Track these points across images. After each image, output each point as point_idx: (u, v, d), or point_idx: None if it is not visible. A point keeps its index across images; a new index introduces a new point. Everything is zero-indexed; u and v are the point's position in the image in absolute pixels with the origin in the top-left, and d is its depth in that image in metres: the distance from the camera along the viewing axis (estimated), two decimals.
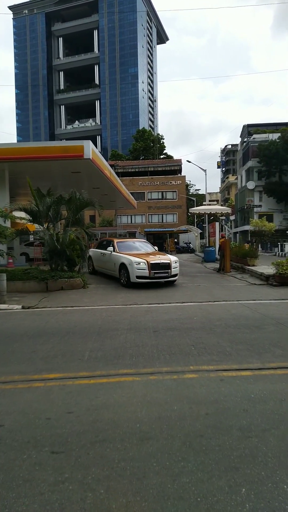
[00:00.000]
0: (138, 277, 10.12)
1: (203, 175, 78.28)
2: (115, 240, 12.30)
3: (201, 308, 7.45)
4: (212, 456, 2.31)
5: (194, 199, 54.68)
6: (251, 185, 51.69)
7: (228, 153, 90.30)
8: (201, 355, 4.35)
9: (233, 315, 6.70)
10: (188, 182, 68.91)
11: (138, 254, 11.12)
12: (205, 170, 31.58)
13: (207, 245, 23.03)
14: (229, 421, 2.75)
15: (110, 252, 11.56)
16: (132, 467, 2.23)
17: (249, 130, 59.38)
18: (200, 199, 59.41)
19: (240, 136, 65.40)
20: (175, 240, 46.06)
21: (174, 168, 58.18)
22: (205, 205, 25.42)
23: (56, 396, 3.31)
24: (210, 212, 21.81)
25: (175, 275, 10.88)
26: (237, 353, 4.41)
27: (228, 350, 4.51)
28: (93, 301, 8.51)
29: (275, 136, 51.89)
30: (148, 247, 12.57)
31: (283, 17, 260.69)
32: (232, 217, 57.82)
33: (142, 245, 12.62)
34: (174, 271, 10.64)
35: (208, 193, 36.63)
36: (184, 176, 57.74)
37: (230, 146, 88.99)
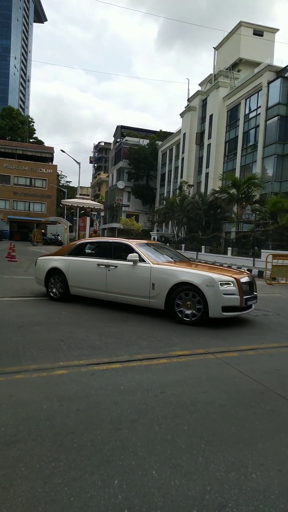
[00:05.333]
0: (225, 308, 5.82)
1: (75, 167, 77.58)
2: (134, 242, 7.06)
3: (70, 302, 7.34)
4: (84, 452, 2.29)
5: (65, 190, 53.65)
6: (121, 184, 53.80)
7: (101, 150, 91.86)
8: (71, 350, 4.28)
9: (100, 309, 6.82)
10: (60, 173, 67.17)
11: (195, 267, 6.64)
12: (79, 163, 31.32)
13: (77, 238, 22.92)
14: (100, 415, 2.77)
15: (132, 263, 6.53)
16: None
17: (122, 131, 61.72)
18: (71, 191, 58.66)
19: (114, 136, 67.35)
20: (43, 231, 44.28)
21: (45, 156, 55.88)
22: (77, 198, 25.21)
23: None
24: (83, 206, 21.76)
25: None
26: (106, 346, 4.50)
27: (98, 344, 4.56)
28: None
29: (145, 142, 55.32)
30: (175, 254, 7.89)
31: (166, 35, 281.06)
32: (102, 214, 59.00)
33: (168, 252, 7.78)
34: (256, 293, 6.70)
35: (80, 186, 36.45)
36: (56, 165, 56.11)
37: (103, 144, 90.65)
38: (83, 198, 30.50)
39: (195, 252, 27.38)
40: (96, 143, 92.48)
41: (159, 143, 54.23)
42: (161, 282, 6.17)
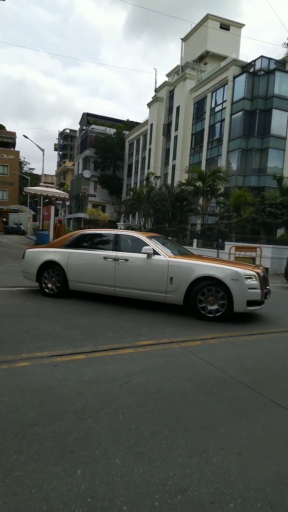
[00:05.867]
0: (250, 302, 5.79)
1: (39, 154, 74.95)
2: (144, 235, 6.73)
3: (35, 293, 7.16)
4: (47, 444, 2.25)
5: (29, 178, 51.91)
6: (87, 173, 52.89)
7: (66, 137, 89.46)
8: (34, 342, 4.19)
9: (67, 300, 6.72)
10: (22, 159, 64.83)
11: (213, 261, 6.30)
12: (43, 150, 30.34)
13: (41, 228, 22.33)
14: (64, 406, 2.74)
15: (145, 256, 6.20)
16: None
17: (88, 119, 60.44)
18: (35, 179, 56.93)
19: (80, 123, 65.83)
20: (4, 219, 42.70)
21: (7, 141, 53.74)
22: (41, 186, 24.48)
23: None
24: (47, 195, 21.17)
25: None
26: (71, 337, 4.45)
27: (63, 335, 4.50)
28: None
29: (112, 131, 54.54)
30: (180, 248, 7.74)
31: (135, 24, 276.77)
32: (67, 203, 57.81)
33: (173, 245, 7.40)
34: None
35: (44, 174, 35.40)
36: (18, 151, 54.13)
37: (68, 131, 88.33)
38: (47, 187, 29.66)
39: None
40: (61, 130, 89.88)
41: (126, 132, 53.69)
42: (180, 276, 5.95)
